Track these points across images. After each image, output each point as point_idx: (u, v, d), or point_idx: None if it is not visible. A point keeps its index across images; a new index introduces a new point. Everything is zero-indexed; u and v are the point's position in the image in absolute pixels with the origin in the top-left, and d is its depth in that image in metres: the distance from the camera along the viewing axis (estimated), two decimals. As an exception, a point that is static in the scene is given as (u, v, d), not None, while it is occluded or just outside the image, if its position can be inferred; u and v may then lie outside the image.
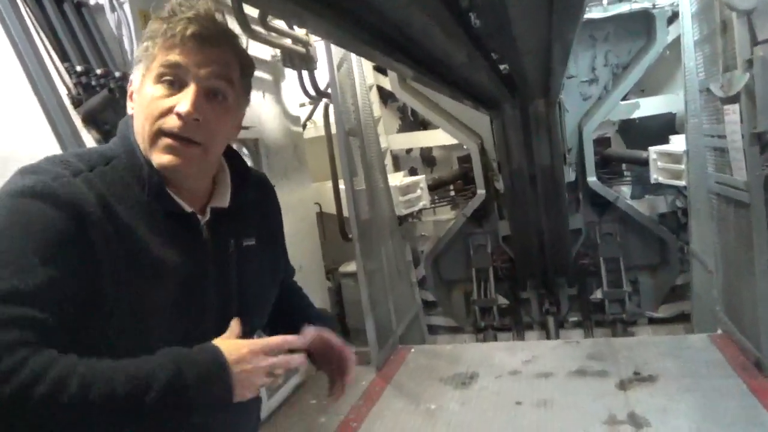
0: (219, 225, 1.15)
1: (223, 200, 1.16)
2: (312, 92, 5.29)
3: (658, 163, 5.64)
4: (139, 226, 1.01)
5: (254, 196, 1.26)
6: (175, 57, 1.01)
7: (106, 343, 0.97)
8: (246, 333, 1.18)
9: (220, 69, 1.05)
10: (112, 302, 0.97)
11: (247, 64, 1.12)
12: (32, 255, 0.89)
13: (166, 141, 1.02)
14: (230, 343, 1.00)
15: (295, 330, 1.19)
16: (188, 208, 1.09)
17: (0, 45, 2.77)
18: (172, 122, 1.01)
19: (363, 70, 5.45)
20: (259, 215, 1.27)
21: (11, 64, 2.74)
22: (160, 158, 1.03)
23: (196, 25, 1.01)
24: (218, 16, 1.07)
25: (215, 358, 0.95)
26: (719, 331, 4.47)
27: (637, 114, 6.36)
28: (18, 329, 0.84)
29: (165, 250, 1.04)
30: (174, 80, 1.02)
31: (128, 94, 1.10)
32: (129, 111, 1.09)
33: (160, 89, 1.02)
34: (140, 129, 1.04)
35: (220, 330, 1.09)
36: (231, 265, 1.16)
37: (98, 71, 2.86)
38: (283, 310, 1.39)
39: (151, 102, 1.02)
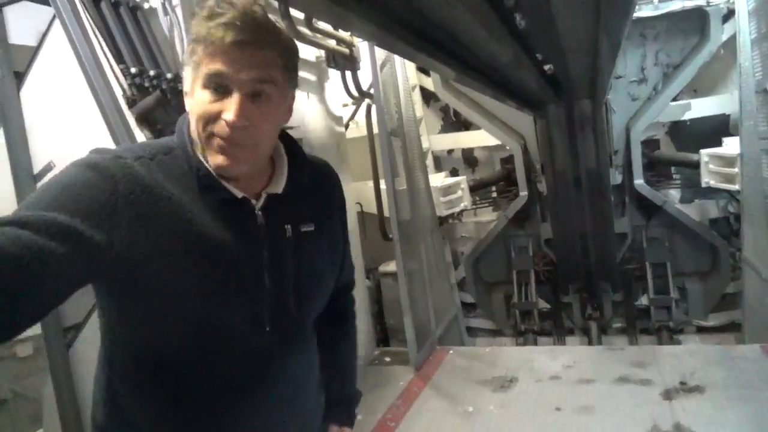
0: (274, 210, 1.17)
1: (277, 186, 1.19)
2: (355, 92, 5.33)
3: (710, 167, 5.45)
4: (192, 207, 1.07)
5: (315, 182, 1.27)
6: (217, 66, 1.04)
7: (133, 315, 1.05)
8: (302, 318, 1.24)
9: (261, 72, 1.06)
10: (142, 278, 1.02)
11: (290, 54, 1.12)
12: (62, 200, 0.94)
13: (218, 142, 1.07)
14: None
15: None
16: (239, 194, 1.13)
17: (61, 48, 2.92)
18: (221, 128, 1.06)
19: (406, 71, 5.47)
20: (319, 202, 1.28)
21: (71, 66, 2.87)
22: (214, 159, 1.08)
23: (235, 30, 1.02)
24: (257, 11, 1.06)
25: None
26: (772, 342, 4.30)
27: (688, 115, 6.15)
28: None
29: (216, 230, 1.08)
30: (219, 87, 1.05)
31: (183, 92, 1.15)
32: (187, 107, 1.14)
33: (208, 95, 1.06)
34: (195, 129, 1.10)
35: (275, 313, 1.15)
36: (288, 250, 1.18)
37: (151, 72, 2.97)
38: (323, 343, 1.39)
39: (201, 106, 1.07)
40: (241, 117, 1.04)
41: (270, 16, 1.10)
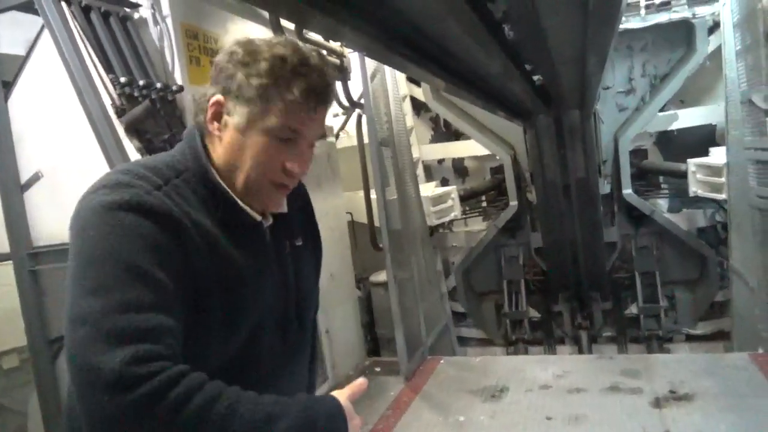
0: (276, 228, 1.23)
1: (282, 206, 1.25)
2: (345, 102, 5.34)
3: (698, 176, 5.51)
4: (218, 235, 1.09)
5: (299, 200, 1.35)
6: (294, 124, 1.09)
7: (201, 345, 1.05)
8: (302, 324, 1.29)
9: (323, 127, 1.17)
10: (207, 309, 1.06)
11: (332, 102, 1.20)
12: (145, 264, 0.96)
13: (273, 190, 1.15)
14: (344, 397, 1.10)
15: None
16: (258, 218, 1.17)
17: (50, 57, 2.91)
18: (280, 176, 1.13)
19: (396, 81, 5.49)
20: (303, 219, 1.37)
21: (60, 76, 2.86)
22: (264, 204, 1.16)
23: (319, 99, 1.10)
24: (329, 73, 1.13)
25: (338, 409, 1.06)
26: (760, 350, 4.32)
27: (675, 125, 6.22)
28: (153, 341, 0.92)
29: (241, 256, 1.12)
30: (287, 139, 1.11)
31: (211, 112, 1.13)
32: (214, 132, 1.14)
33: (274, 144, 1.10)
34: (241, 168, 1.11)
35: (284, 323, 1.22)
36: (289, 265, 1.25)
37: (141, 82, 2.96)
38: None
39: (263, 154, 1.10)
40: (306, 168, 1.14)
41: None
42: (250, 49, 1.10)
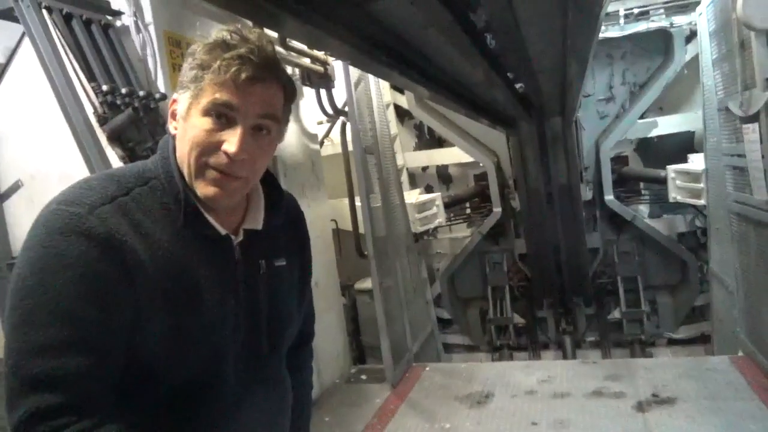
0: (251, 245, 1.16)
1: (257, 222, 1.18)
2: (329, 110, 5.36)
3: (677, 182, 5.60)
4: (177, 249, 1.04)
5: (286, 217, 1.28)
6: (225, 96, 1.02)
7: (147, 364, 1.01)
8: (275, 350, 1.22)
9: (267, 107, 1.06)
10: (152, 327, 1.00)
11: (290, 91, 1.13)
12: (72, 299, 0.93)
13: (212, 174, 1.05)
14: None
15: None
16: (223, 231, 1.11)
17: (30, 64, 2.88)
18: (219, 159, 1.04)
19: (380, 89, 5.52)
20: (290, 237, 1.29)
21: (41, 84, 2.83)
22: (205, 189, 1.06)
23: (250, 66, 1.02)
24: (269, 48, 1.06)
25: None
26: (740, 353, 4.40)
27: (655, 132, 6.33)
28: (64, 389, 0.90)
29: (201, 271, 1.06)
30: (222, 116, 1.04)
31: (170, 112, 1.10)
32: (171, 131, 1.11)
33: (208, 123, 1.03)
34: (185, 156, 1.06)
35: (248, 350, 1.14)
36: (261, 285, 1.17)
37: (123, 90, 2.94)
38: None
39: (198, 134, 1.04)
40: (243, 150, 1.03)
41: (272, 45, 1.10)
42: (196, 45, 1.08)
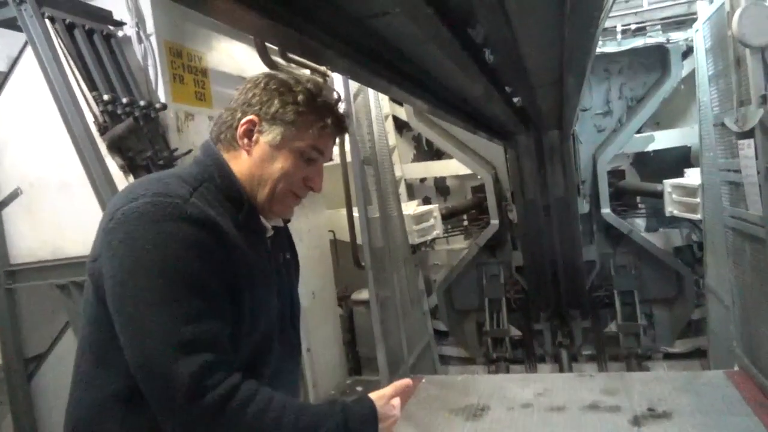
0: (274, 239, 1.37)
1: (279, 221, 1.40)
2: (329, 121, 5.38)
3: (673, 196, 5.63)
4: (241, 239, 1.21)
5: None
6: (321, 146, 1.29)
7: (236, 342, 1.16)
8: (294, 326, 1.42)
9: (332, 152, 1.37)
10: (242, 298, 1.18)
11: None
12: (200, 273, 1.09)
13: (293, 201, 1.33)
14: (380, 398, 1.23)
15: None
16: (270, 227, 1.33)
17: (33, 74, 2.90)
18: (300, 189, 1.31)
19: (379, 101, 5.56)
20: (286, 236, 1.50)
21: (43, 93, 2.85)
22: (281, 208, 1.32)
23: (341, 128, 1.31)
24: (340, 103, 1.35)
25: (372, 413, 1.20)
26: (736, 368, 4.40)
27: (651, 147, 6.36)
28: (214, 350, 1.07)
29: (256, 259, 1.24)
30: (312, 159, 1.29)
31: (243, 130, 1.27)
32: (243, 147, 1.28)
33: (300, 161, 1.27)
34: (268, 178, 1.27)
35: (282, 329, 1.35)
36: (284, 273, 1.40)
37: (124, 100, 2.97)
38: None
39: (290, 167, 1.27)
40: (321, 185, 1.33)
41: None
42: (281, 80, 1.28)
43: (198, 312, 1.07)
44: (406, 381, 1.31)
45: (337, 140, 4.95)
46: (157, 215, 1.09)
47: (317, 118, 1.26)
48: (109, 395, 1.18)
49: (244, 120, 1.27)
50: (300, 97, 1.25)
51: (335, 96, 1.32)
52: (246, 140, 1.27)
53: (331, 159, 1.38)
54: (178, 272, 1.07)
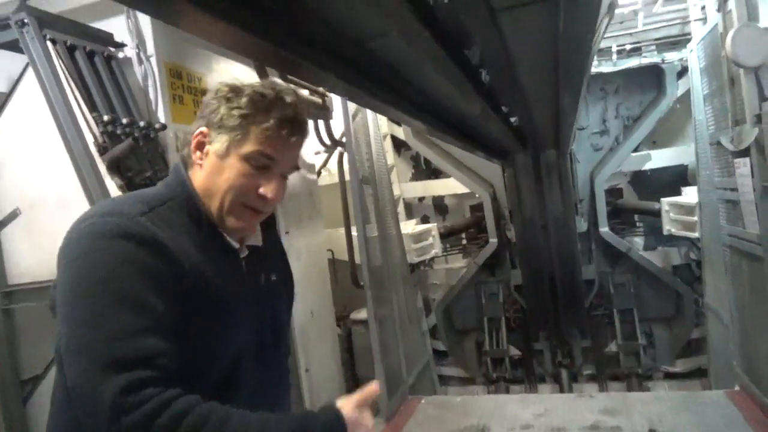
0: (252, 261, 1.31)
1: (257, 239, 1.35)
2: (327, 141, 5.41)
3: (671, 215, 5.64)
4: (200, 259, 1.16)
5: (275, 237, 1.45)
6: (269, 150, 1.19)
7: (187, 369, 1.10)
8: (276, 349, 1.37)
9: (295, 160, 1.26)
10: (194, 331, 1.12)
11: (307, 137, 1.30)
12: (137, 290, 1.04)
13: (245, 212, 1.22)
14: (346, 404, 1.17)
15: None
16: (236, 245, 1.26)
17: (33, 95, 2.92)
18: (254, 201, 1.21)
19: (377, 120, 5.59)
20: (277, 256, 1.45)
21: (43, 114, 2.87)
22: (236, 223, 1.22)
23: (295, 129, 1.21)
24: (304, 110, 1.26)
25: (338, 420, 1.14)
26: (737, 387, 4.37)
27: (648, 165, 6.40)
28: (146, 366, 1.00)
29: (219, 281, 1.19)
30: (261, 165, 1.19)
31: (195, 143, 1.22)
32: (196, 161, 1.23)
33: (248, 169, 1.19)
34: (216, 191, 1.20)
35: (259, 353, 1.28)
36: (264, 297, 1.32)
37: (124, 120, 2.98)
38: None
39: (238, 177, 1.19)
40: (277, 195, 1.21)
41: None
42: (233, 86, 1.21)
43: (133, 329, 1.02)
44: (374, 386, 1.24)
45: (336, 160, 4.90)
46: (97, 234, 1.08)
47: (262, 119, 1.17)
48: (74, 418, 1.16)
49: (196, 132, 1.23)
50: (244, 100, 1.18)
51: (288, 96, 1.21)
52: (198, 153, 1.23)
53: (297, 168, 1.26)
54: (113, 289, 1.03)
